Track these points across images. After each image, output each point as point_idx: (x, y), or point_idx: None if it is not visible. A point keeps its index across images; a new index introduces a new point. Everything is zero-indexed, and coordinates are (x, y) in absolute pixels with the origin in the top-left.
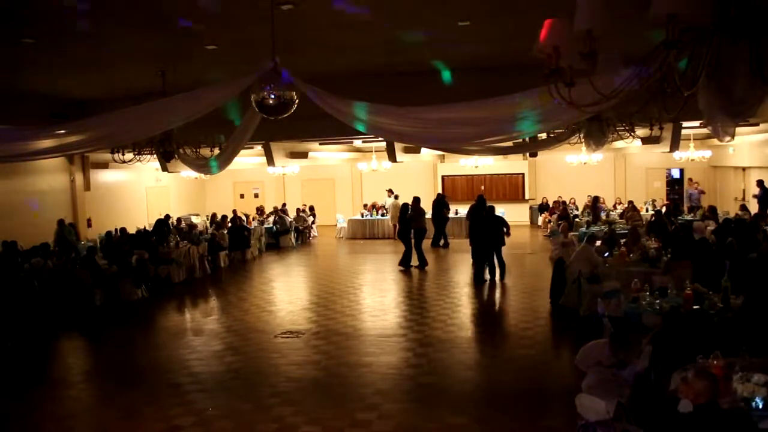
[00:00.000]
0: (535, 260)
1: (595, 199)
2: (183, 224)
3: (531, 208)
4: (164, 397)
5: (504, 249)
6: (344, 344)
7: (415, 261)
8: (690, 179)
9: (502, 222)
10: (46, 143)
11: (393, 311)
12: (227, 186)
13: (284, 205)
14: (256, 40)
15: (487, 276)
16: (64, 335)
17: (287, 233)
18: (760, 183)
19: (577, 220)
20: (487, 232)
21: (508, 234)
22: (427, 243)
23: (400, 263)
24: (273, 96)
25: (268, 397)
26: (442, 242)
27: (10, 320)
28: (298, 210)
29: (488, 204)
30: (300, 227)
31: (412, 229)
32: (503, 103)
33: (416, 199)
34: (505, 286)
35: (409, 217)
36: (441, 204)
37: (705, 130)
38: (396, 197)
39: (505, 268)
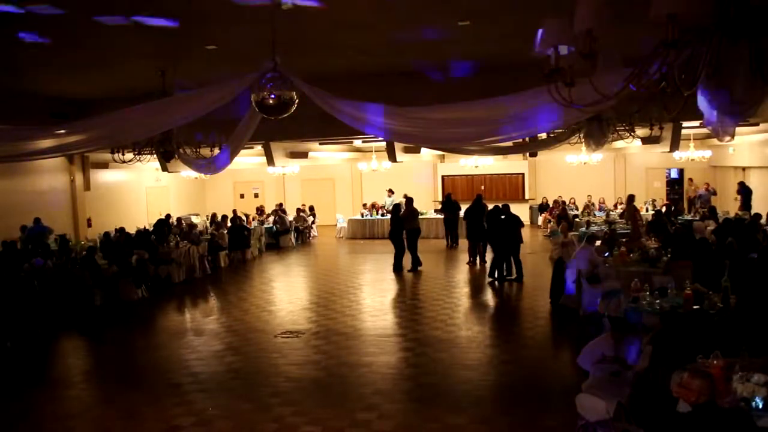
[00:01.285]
0: (535, 260)
1: (630, 198)
2: (183, 224)
3: (531, 208)
4: (164, 397)
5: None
6: (344, 344)
7: (407, 264)
8: (690, 179)
9: (518, 222)
10: (46, 143)
11: (393, 311)
12: (227, 186)
13: (281, 205)
14: (256, 40)
15: (511, 274)
16: (64, 335)
17: (287, 233)
18: (741, 184)
19: (577, 220)
20: (506, 233)
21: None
22: (441, 243)
23: (394, 269)
24: (273, 96)
25: (268, 397)
26: (451, 243)
27: (10, 320)
28: (298, 210)
29: (489, 204)
30: (300, 227)
31: (404, 230)
32: (503, 103)
33: (409, 200)
34: (513, 286)
35: (402, 216)
36: (451, 205)
37: (705, 130)
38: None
39: (522, 269)
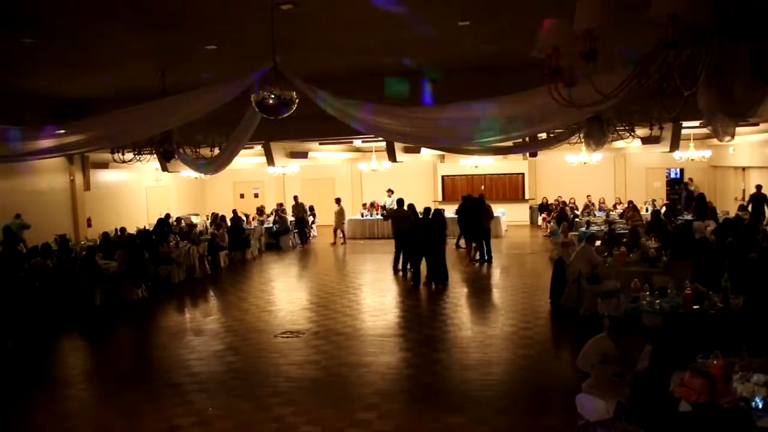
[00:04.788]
0: (535, 260)
1: (701, 197)
2: (183, 224)
3: (531, 208)
4: (164, 397)
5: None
6: (344, 344)
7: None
8: (690, 179)
9: (438, 228)
10: (46, 143)
11: (393, 311)
12: (227, 186)
13: (281, 204)
14: (256, 40)
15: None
16: (64, 335)
17: (287, 233)
18: (685, 185)
19: (577, 220)
20: (426, 234)
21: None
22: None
23: (393, 268)
24: (273, 96)
25: (268, 397)
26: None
27: (10, 320)
28: (295, 197)
29: (436, 208)
30: (297, 217)
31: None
32: (503, 103)
33: (400, 201)
34: (510, 285)
35: (390, 218)
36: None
37: (705, 130)
38: (400, 200)
39: (443, 275)
